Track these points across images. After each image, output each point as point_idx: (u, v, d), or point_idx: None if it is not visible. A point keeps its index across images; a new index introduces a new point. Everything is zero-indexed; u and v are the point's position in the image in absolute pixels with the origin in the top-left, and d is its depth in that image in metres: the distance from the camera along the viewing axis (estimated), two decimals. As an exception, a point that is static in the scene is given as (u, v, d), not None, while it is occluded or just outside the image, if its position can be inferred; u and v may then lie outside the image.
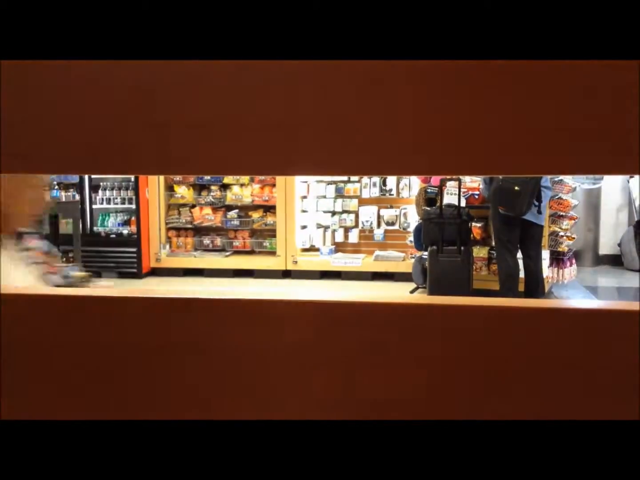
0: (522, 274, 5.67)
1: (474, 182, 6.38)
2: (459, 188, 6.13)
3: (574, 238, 6.41)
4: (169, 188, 8.22)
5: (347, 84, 0.56)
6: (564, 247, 6.32)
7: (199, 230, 8.25)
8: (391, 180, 7.68)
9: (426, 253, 6.09)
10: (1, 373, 0.65)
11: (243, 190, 8.05)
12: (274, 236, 7.90)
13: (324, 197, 7.91)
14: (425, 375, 0.60)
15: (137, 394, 0.65)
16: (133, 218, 7.93)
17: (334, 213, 7.93)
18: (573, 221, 6.30)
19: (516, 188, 5.21)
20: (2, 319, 0.65)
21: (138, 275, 7.83)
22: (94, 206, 8.13)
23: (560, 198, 6.18)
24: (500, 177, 5.18)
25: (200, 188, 8.24)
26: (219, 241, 8.14)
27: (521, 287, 5.66)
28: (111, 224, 8.08)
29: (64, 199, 6.84)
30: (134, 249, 7.82)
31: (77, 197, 7.09)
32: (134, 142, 0.60)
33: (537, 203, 5.34)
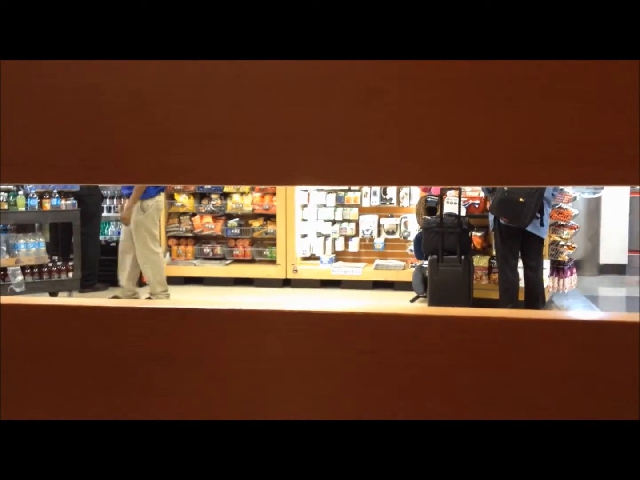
0: (522, 284, 5.66)
1: (474, 192, 6.38)
2: (459, 197, 6.13)
3: (574, 247, 6.40)
4: (170, 196, 8.23)
5: (346, 94, 0.56)
6: (564, 257, 6.31)
7: (199, 239, 8.24)
8: (391, 189, 7.68)
9: (426, 262, 6.08)
10: (1, 377, 0.65)
11: (243, 198, 8.06)
12: (274, 245, 7.89)
13: (325, 205, 7.91)
14: (425, 385, 0.60)
15: (133, 400, 0.65)
16: (133, 226, 7.92)
17: (334, 222, 7.93)
18: (573, 230, 6.30)
19: (521, 200, 5.22)
20: (3, 327, 0.65)
21: (139, 283, 7.81)
22: (94, 214, 8.12)
23: (560, 207, 6.18)
24: (505, 188, 5.19)
25: (200, 196, 8.25)
26: (219, 250, 8.14)
27: (522, 297, 5.66)
28: (111, 232, 8.06)
29: (64, 208, 6.83)
30: (134, 258, 7.80)
31: (77, 206, 7.09)
32: (133, 152, 0.60)
33: (539, 215, 5.35)
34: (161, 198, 6.25)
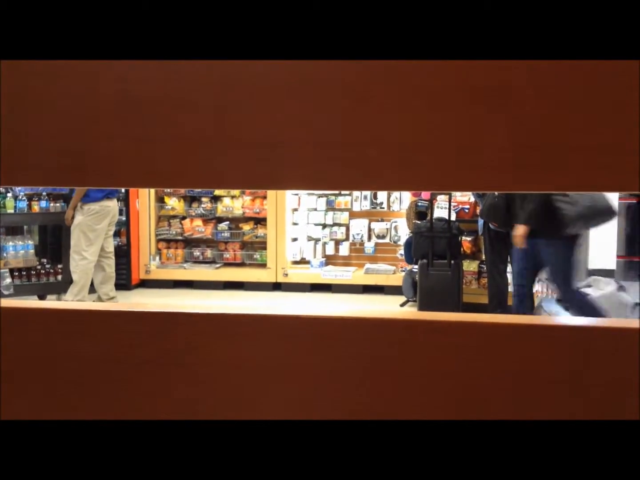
0: (511, 288, 5.69)
1: (464, 196, 6.40)
2: (450, 202, 6.15)
3: (563, 253, 6.43)
4: (160, 199, 8.21)
5: (336, 97, 0.56)
6: (553, 262, 6.33)
7: (190, 242, 8.23)
8: (382, 194, 7.69)
9: (416, 266, 6.10)
10: (1, 378, 0.65)
11: (234, 202, 8.05)
12: (265, 248, 7.89)
13: (315, 209, 7.92)
14: (415, 390, 0.60)
15: (127, 400, 0.65)
16: (123, 229, 7.90)
17: (324, 226, 7.94)
18: (563, 236, 6.32)
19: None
20: (2, 329, 0.64)
21: (127, 286, 7.79)
22: (83, 217, 8.08)
23: (550, 213, 6.21)
24: (496, 193, 5.21)
25: (191, 200, 8.24)
26: (209, 253, 8.12)
27: (510, 301, 5.68)
28: (101, 235, 8.02)
29: (53, 210, 6.80)
30: (123, 261, 7.79)
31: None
32: (121, 154, 0.60)
33: (529, 221, 5.39)
34: (111, 203, 6.05)
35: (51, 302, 0.71)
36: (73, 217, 6.04)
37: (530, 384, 0.58)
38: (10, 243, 6.58)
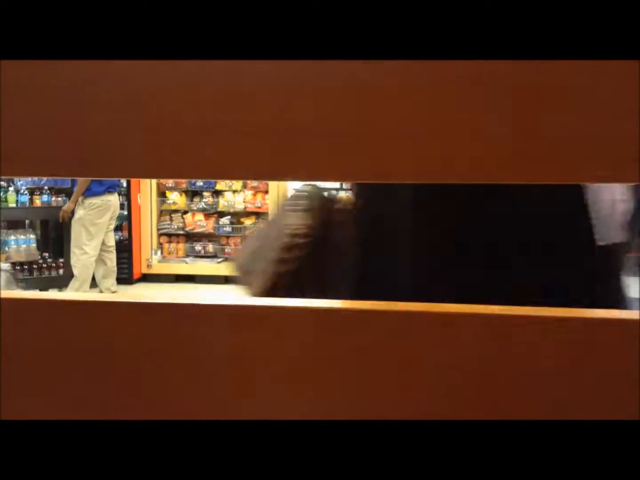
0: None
1: (466, 191, 6.41)
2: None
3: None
4: (161, 194, 8.22)
5: (342, 88, 0.56)
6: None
7: (191, 237, 8.24)
8: (384, 189, 7.70)
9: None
10: (1, 374, 0.65)
11: (235, 196, 8.06)
12: (266, 243, 7.89)
13: (317, 204, 7.92)
14: (418, 383, 0.60)
15: (131, 396, 0.65)
16: (124, 224, 7.91)
17: (326, 220, 7.94)
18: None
19: None
20: (2, 322, 0.64)
21: (129, 281, 7.81)
22: (85, 211, 8.09)
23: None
24: None
25: (192, 194, 8.25)
26: (211, 248, 8.13)
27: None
28: (102, 230, 8.03)
29: (55, 204, 6.81)
30: (125, 255, 7.80)
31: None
32: (127, 145, 0.60)
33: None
34: (112, 197, 6.08)
35: (52, 293, 0.71)
36: (72, 212, 6.06)
37: (530, 379, 0.58)
38: (12, 237, 6.59)
